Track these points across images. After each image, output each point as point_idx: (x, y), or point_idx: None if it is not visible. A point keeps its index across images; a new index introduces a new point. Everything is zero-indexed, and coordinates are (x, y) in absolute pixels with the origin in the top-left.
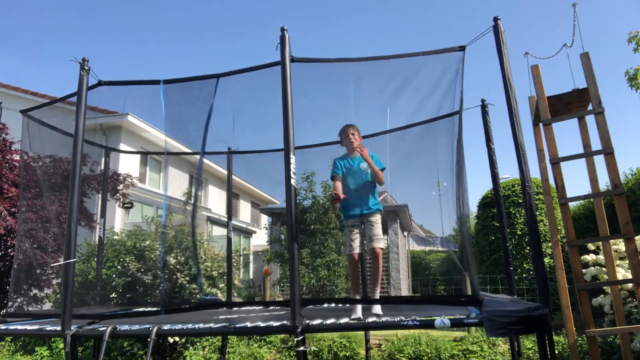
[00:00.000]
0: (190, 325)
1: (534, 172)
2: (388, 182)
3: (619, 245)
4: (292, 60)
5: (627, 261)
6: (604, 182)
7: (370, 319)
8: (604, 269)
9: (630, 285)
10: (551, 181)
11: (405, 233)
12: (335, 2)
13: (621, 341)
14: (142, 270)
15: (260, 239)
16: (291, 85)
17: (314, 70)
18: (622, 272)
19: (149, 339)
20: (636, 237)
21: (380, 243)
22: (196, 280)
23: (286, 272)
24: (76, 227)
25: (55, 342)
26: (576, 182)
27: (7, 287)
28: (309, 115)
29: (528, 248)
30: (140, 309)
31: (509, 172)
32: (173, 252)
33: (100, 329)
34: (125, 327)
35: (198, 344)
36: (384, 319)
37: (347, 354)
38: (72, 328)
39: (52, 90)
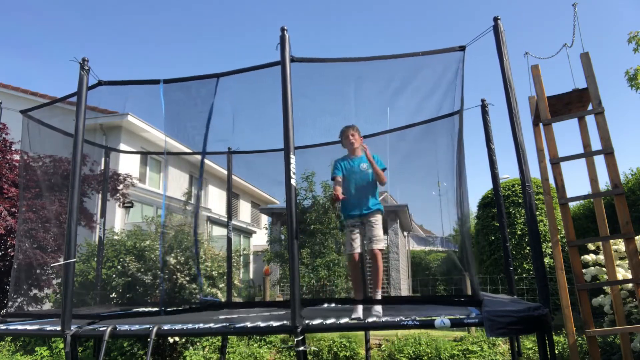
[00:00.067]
0: (190, 325)
1: (534, 172)
2: (388, 182)
3: (619, 245)
4: (292, 60)
5: (627, 261)
6: (604, 182)
7: (370, 319)
8: (604, 269)
9: (630, 285)
10: (551, 181)
11: (405, 233)
12: (335, 2)
13: (621, 341)
14: (142, 270)
15: (260, 239)
16: (291, 85)
17: (314, 70)
18: (622, 272)
19: (149, 339)
20: (636, 237)
21: (380, 244)
22: (196, 280)
23: (286, 272)
24: (76, 227)
25: (55, 342)
26: (576, 182)
27: (7, 287)
28: (309, 115)
29: (528, 248)
30: (140, 309)
31: (509, 172)
32: (173, 252)
33: (100, 329)
34: (125, 327)
35: (198, 344)
36: (384, 319)
37: (347, 354)
38: (72, 328)
39: (52, 90)
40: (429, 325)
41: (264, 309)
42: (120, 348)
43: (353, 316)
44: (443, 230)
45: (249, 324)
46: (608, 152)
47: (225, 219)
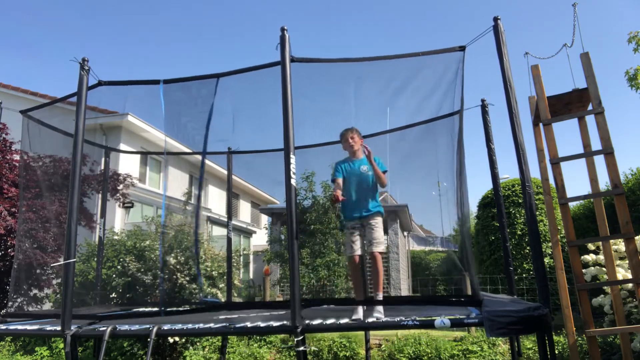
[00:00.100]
0: (190, 325)
1: (534, 172)
2: (389, 182)
3: (619, 245)
4: (292, 60)
5: (627, 261)
6: (604, 182)
7: (370, 319)
8: (604, 269)
9: (630, 285)
10: (551, 181)
11: (405, 233)
12: (335, 2)
13: (621, 341)
14: (142, 270)
15: (260, 239)
16: (291, 85)
17: (314, 70)
18: (622, 272)
19: (149, 339)
20: (636, 237)
21: (380, 247)
22: (196, 280)
23: (286, 272)
24: (76, 227)
25: (55, 342)
26: (576, 182)
27: (7, 287)
28: (309, 115)
29: (528, 248)
30: (140, 309)
31: (509, 172)
32: (173, 252)
33: (100, 329)
34: (125, 327)
35: (198, 344)
36: (384, 319)
37: (347, 354)
38: (72, 328)
39: (52, 90)
40: (429, 325)
41: (264, 309)
42: (120, 348)
43: (354, 317)
44: (443, 230)
45: (249, 324)
46: (608, 152)
47: (225, 219)
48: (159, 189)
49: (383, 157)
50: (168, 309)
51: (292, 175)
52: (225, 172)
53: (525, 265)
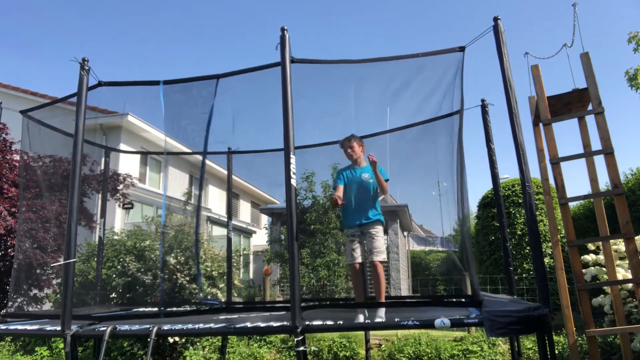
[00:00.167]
0: (190, 325)
1: (534, 172)
2: (389, 182)
3: (619, 245)
4: (292, 61)
5: (627, 261)
6: (604, 182)
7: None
8: (604, 269)
9: (630, 285)
10: (551, 181)
11: (405, 233)
12: (335, 2)
13: (621, 341)
14: (142, 270)
15: (260, 239)
16: (291, 85)
17: (314, 71)
18: (622, 272)
19: (149, 339)
20: (636, 237)
21: (381, 256)
22: (196, 280)
23: (286, 272)
24: (76, 227)
25: (55, 342)
26: (576, 182)
27: (7, 287)
28: (309, 115)
29: (528, 248)
30: (140, 309)
31: (509, 172)
32: (173, 252)
33: (100, 329)
34: (125, 327)
35: (198, 344)
36: (384, 319)
37: (347, 354)
38: (72, 328)
39: (52, 90)
40: (429, 325)
41: (265, 311)
42: (120, 348)
43: (355, 321)
44: (443, 230)
45: (249, 324)
46: (608, 152)
47: (225, 219)
48: (159, 189)
49: (383, 157)
50: (168, 309)
51: (292, 175)
52: (225, 172)
53: (525, 265)
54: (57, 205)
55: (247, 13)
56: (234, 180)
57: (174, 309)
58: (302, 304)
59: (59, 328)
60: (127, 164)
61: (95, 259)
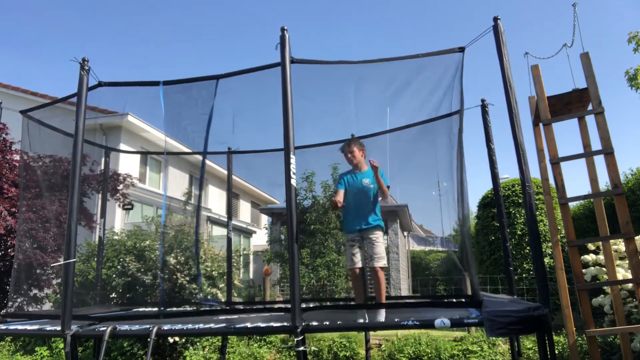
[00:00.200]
0: (190, 325)
1: (534, 172)
2: (389, 183)
3: (619, 245)
4: (292, 61)
5: (627, 261)
6: (604, 182)
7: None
8: (604, 269)
9: (630, 285)
10: (551, 181)
11: (405, 233)
12: (335, 2)
13: (621, 341)
14: (142, 270)
15: (260, 239)
16: (291, 86)
17: (314, 72)
18: (622, 272)
19: (149, 339)
20: (636, 237)
21: (381, 262)
22: (196, 280)
23: (286, 272)
24: (76, 227)
25: (55, 342)
26: (576, 182)
27: (7, 287)
28: (309, 115)
29: (528, 248)
30: (140, 309)
31: (509, 172)
32: (173, 252)
33: (100, 329)
34: (125, 327)
35: (198, 344)
36: (384, 319)
37: (347, 354)
38: (72, 328)
39: (52, 90)
40: (429, 325)
41: (264, 308)
42: (120, 348)
43: (355, 321)
44: (443, 230)
45: (249, 324)
46: (608, 152)
47: (225, 219)
48: (159, 189)
49: (383, 157)
50: (168, 310)
51: (292, 176)
52: (225, 172)
53: (525, 265)
54: (57, 205)
55: (247, 13)
56: (234, 180)
57: (174, 309)
58: (302, 305)
59: (59, 328)
60: (127, 164)
61: (95, 259)
